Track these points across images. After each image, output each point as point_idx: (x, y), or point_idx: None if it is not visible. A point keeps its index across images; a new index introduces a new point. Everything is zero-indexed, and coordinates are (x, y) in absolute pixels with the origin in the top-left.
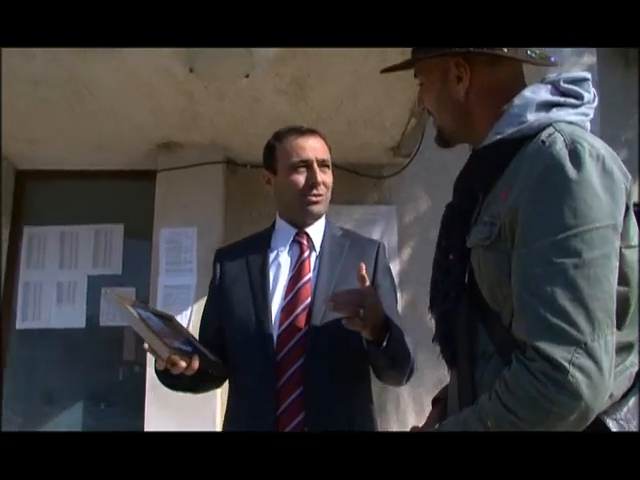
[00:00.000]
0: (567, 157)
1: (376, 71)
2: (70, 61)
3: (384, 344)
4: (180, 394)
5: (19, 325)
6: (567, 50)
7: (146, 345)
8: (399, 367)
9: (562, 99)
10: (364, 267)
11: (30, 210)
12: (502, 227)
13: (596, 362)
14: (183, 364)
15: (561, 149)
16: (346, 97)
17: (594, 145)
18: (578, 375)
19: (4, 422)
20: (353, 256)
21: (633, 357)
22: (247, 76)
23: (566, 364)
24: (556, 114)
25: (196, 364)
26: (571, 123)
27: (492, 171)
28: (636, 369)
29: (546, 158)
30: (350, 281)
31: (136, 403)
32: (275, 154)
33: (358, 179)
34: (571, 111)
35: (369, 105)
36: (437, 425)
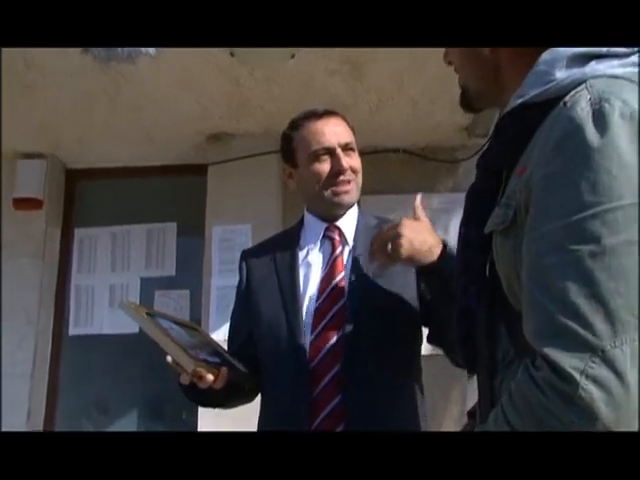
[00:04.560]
0: (589, 119)
1: None
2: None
3: (435, 266)
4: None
5: (72, 331)
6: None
7: (169, 358)
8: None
9: (603, 49)
10: (419, 197)
11: (81, 211)
12: (518, 208)
13: (617, 374)
14: (210, 377)
15: (583, 109)
16: (407, 74)
17: (628, 102)
18: (593, 389)
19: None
20: None
21: None
22: (293, 57)
23: (577, 375)
24: (593, 68)
25: (225, 376)
26: (614, 77)
27: (514, 143)
28: None
29: (564, 122)
30: (388, 274)
31: (191, 410)
32: (292, 145)
33: (429, 165)
34: (615, 62)
35: (434, 80)
36: None
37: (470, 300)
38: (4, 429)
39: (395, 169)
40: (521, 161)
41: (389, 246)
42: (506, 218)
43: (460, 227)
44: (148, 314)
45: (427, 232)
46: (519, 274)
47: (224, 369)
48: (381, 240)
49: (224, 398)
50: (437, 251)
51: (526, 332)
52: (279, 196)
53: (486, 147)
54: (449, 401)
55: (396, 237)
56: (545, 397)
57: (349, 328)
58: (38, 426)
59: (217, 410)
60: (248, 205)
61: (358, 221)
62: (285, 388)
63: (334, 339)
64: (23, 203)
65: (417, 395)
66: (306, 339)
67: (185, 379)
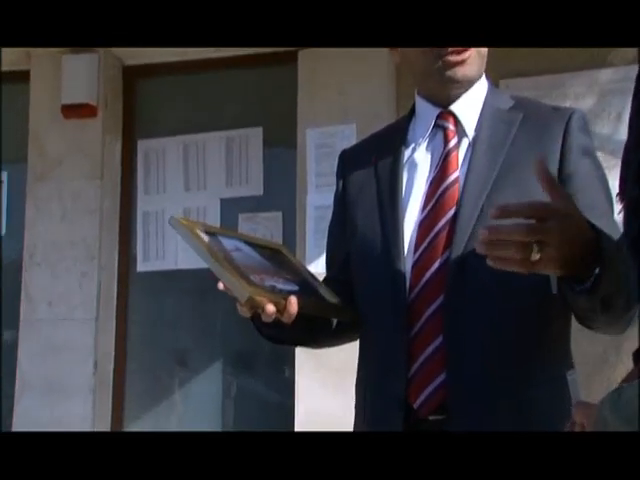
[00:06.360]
0: None
1: None
2: None
3: (588, 283)
4: (336, 351)
5: (140, 267)
6: None
7: (220, 285)
8: (615, 311)
9: None
10: (541, 160)
11: (144, 117)
12: None
13: None
14: (271, 308)
15: None
16: None
17: None
18: None
19: (128, 392)
20: (526, 138)
21: None
22: None
23: None
24: None
25: (293, 308)
26: None
27: None
28: None
29: None
30: (519, 178)
31: (288, 360)
32: None
33: None
34: None
35: None
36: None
37: None
38: (67, 387)
39: None
40: None
41: (533, 255)
42: None
43: (634, 96)
44: (207, 232)
45: (579, 234)
46: None
47: (292, 298)
48: (516, 239)
49: (306, 335)
50: (588, 258)
51: None
52: (391, 84)
53: None
54: (622, 346)
55: (542, 247)
56: None
57: (457, 247)
58: (107, 381)
59: (316, 363)
60: (350, 98)
61: (485, 103)
62: (379, 324)
63: (439, 262)
64: (73, 110)
65: (560, 353)
66: (407, 261)
67: (242, 310)
